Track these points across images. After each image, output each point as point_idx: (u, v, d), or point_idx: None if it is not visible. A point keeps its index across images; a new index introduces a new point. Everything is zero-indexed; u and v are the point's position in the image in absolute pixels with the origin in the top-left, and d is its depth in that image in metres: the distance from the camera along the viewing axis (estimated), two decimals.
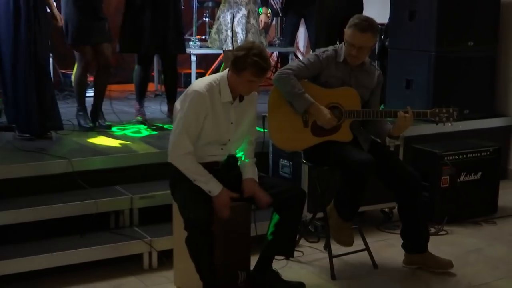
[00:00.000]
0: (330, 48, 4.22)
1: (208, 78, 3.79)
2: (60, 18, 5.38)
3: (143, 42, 5.68)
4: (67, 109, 6.41)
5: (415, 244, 4.30)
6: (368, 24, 4.04)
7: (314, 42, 6.45)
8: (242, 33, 5.96)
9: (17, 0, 4.93)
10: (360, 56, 4.09)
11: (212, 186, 3.62)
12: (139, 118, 5.96)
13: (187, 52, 6.96)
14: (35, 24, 5.04)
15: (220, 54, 6.93)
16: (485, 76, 6.29)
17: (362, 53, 4.09)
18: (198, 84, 3.71)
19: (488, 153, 5.35)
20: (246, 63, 3.55)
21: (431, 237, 4.67)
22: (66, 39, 5.52)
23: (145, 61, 5.96)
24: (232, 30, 5.93)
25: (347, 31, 4.07)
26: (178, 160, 3.65)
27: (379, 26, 6.42)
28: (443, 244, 4.77)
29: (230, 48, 5.88)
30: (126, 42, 5.79)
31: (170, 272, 4.12)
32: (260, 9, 6.29)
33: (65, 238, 4.27)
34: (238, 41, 5.91)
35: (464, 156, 5.23)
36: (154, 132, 5.58)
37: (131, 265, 4.28)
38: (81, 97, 5.74)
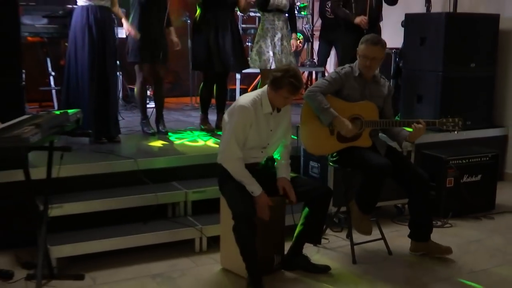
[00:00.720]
0: (346, 66, 4.24)
1: (252, 94, 3.80)
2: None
3: (213, 62, 5.66)
4: (133, 118, 6.49)
5: (421, 234, 4.28)
6: (378, 39, 4.14)
7: (340, 63, 6.42)
8: (279, 54, 5.98)
9: (90, 30, 5.02)
10: (373, 66, 4.11)
11: (254, 188, 3.64)
12: (202, 126, 5.97)
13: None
14: (105, 47, 5.13)
15: (259, 73, 6.93)
16: (484, 93, 6.21)
17: (375, 63, 4.11)
18: (244, 99, 3.73)
19: (487, 158, 5.29)
20: (283, 83, 3.58)
21: (438, 229, 4.68)
22: (127, 57, 5.60)
23: (211, 79, 5.90)
24: (272, 51, 5.94)
25: (361, 47, 4.11)
26: (229, 164, 3.68)
27: (394, 49, 6.49)
28: (448, 235, 4.72)
29: (273, 67, 5.86)
30: (198, 62, 5.78)
31: (217, 254, 4.13)
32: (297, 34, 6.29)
33: (130, 225, 4.30)
34: (276, 61, 5.92)
35: (467, 160, 5.18)
36: (211, 140, 5.59)
37: (184, 248, 4.30)
38: (143, 108, 5.80)
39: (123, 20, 5.45)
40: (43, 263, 3.56)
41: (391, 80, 6.46)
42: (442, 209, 5.06)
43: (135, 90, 5.81)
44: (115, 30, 5.41)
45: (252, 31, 8.09)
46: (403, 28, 6.33)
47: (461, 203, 5.12)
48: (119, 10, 5.39)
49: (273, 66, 5.86)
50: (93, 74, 5.07)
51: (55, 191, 3.93)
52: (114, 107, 5.33)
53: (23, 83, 4.32)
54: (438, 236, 4.53)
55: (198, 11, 5.74)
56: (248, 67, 6.11)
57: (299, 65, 7.88)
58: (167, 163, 4.79)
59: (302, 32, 8.33)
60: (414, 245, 4.32)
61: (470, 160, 5.20)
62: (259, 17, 6.28)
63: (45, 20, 7.08)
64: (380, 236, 4.33)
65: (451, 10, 6.34)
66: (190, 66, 5.96)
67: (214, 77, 5.88)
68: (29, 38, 6.95)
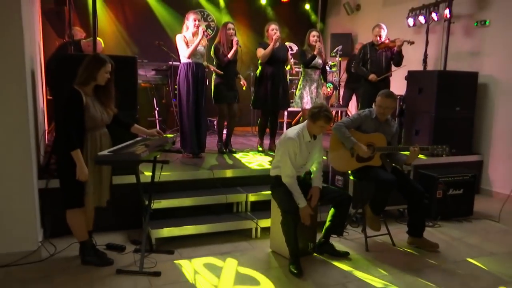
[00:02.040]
0: (366, 110, 4.19)
1: (296, 128, 3.77)
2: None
3: (268, 102, 5.70)
4: (209, 140, 6.53)
5: (416, 231, 4.17)
6: (390, 94, 4.07)
7: (359, 105, 6.33)
8: (315, 98, 5.94)
9: (190, 80, 5.14)
10: (386, 113, 4.06)
11: (301, 201, 3.61)
12: (259, 148, 5.97)
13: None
14: (198, 92, 5.21)
15: (300, 111, 6.88)
16: (466, 129, 6.01)
17: (387, 111, 4.06)
18: (291, 132, 3.71)
19: (468, 177, 5.09)
20: (320, 116, 3.57)
21: (429, 229, 4.56)
22: (212, 99, 5.65)
23: (267, 114, 5.90)
24: (310, 96, 5.93)
25: (378, 98, 4.08)
26: (288, 180, 3.65)
27: (399, 96, 6.37)
28: (437, 233, 4.57)
29: (309, 107, 5.81)
30: (259, 103, 5.78)
31: (267, 240, 4.10)
32: (328, 84, 6.20)
33: (207, 217, 4.33)
34: (312, 102, 5.89)
35: (452, 178, 5.00)
36: (265, 157, 5.59)
37: (244, 234, 4.30)
38: (220, 134, 5.84)
39: (210, 66, 5.55)
40: (146, 241, 3.62)
41: (396, 119, 6.33)
42: (433, 213, 4.90)
43: (216, 122, 5.85)
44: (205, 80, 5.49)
45: (296, 81, 8.08)
46: (406, 81, 6.22)
47: (447, 210, 4.97)
48: (206, 63, 5.50)
49: (309, 106, 5.82)
50: (189, 108, 5.16)
51: (156, 191, 4.01)
52: (203, 133, 5.37)
53: (137, 115, 4.42)
54: (430, 234, 4.41)
55: (260, 68, 5.78)
56: (289, 107, 6.09)
57: (329, 106, 7.78)
58: (234, 173, 4.79)
59: (332, 83, 8.26)
60: (411, 239, 4.20)
61: (455, 178, 5.02)
62: (300, 71, 6.23)
63: (153, 72, 7.30)
64: (386, 232, 4.23)
65: (442, 68, 6.21)
66: (251, 105, 5.97)
67: (269, 113, 5.89)
68: (142, 84, 7.15)
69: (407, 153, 4.04)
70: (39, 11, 5.98)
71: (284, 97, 5.76)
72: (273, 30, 5.62)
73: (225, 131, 5.89)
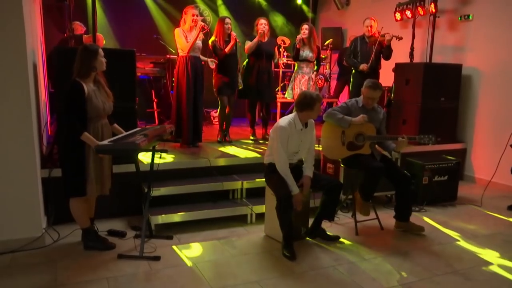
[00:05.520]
0: (353, 99, 4.20)
1: (288, 117, 3.74)
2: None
3: (252, 93, 5.68)
4: (205, 130, 6.51)
5: (403, 216, 4.17)
6: (376, 85, 4.05)
7: (351, 95, 6.31)
8: (306, 89, 5.90)
9: (188, 72, 5.09)
10: (371, 103, 4.08)
11: (294, 188, 3.58)
12: (251, 137, 5.95)
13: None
14: (196, 84, 5.17)
15: (292, 102, 6.84)
16: (451, 118, 6.03)
17: (373, 101, 4.08)
18: (283, 121, 3.68)
19: (452, 164, 5.11)
20: (314, 100, 3.66)
21: (416, 213, 4.56)
22: (215, 92, 5.61)
23: (253, 105, 5.91)
24: (300, 88, 5.90)
25: (364, 89, 4.08)
26: (282, 168, 3.62)
27: (387, 87, 6.36)
28: (423, 217, 4.59)
29: None
30: (242, 93, 5.77)
31: (262, 225, 4.10)
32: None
33: (204, 203, 4.31)
34: None
35: (437, 165, 5.01)
36: (258, 147, 5.56)
37: (240, 220, 4.29)
38: (221, 125, 5.80)
39: (206, 59, 5.46)
40: (146, 227, 3.60)
41: (385, 108, 6.32)
42: (419, 199, 4.92)
43: (217, 112, 5.80)
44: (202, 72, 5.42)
45: (289, 73, 8.03)
46: (393, 73, 6.21)
47: (433, 195, 4.98)
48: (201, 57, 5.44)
49: None
50: (188, 100, 5.11)
51: (155, 179, 3.98)
52: (200, 123, 5.34)
53: (136, 106, 4.38)
54: (416, 218, 4.42)
55: (246, 59, 5.74)
56: (274, 100, 6.03)
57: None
58: (230, 162, 4.77)
59: (323, 74, 8.22)
60: (398, 224, 4.21)
61: (440, 165, 5.03)
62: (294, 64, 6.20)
63: (151, 65, 7.22)
64: (375, 216, 4.24)
65: (428, 61, 6.19)
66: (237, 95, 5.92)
67: (255, 104, 5.88)
68: (141, 77, 7.09)
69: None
70: (40, 5, 5.88)
71: (267, 89, 5.72)
72: (261, 25, 5.59)
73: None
